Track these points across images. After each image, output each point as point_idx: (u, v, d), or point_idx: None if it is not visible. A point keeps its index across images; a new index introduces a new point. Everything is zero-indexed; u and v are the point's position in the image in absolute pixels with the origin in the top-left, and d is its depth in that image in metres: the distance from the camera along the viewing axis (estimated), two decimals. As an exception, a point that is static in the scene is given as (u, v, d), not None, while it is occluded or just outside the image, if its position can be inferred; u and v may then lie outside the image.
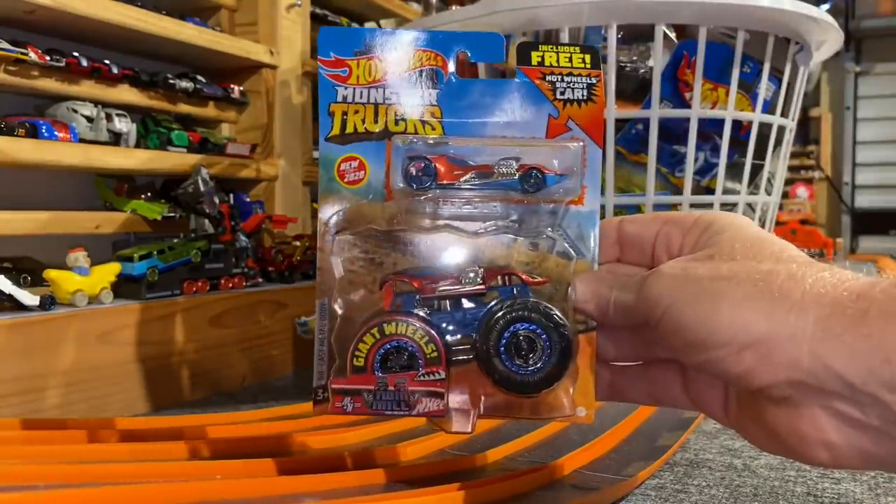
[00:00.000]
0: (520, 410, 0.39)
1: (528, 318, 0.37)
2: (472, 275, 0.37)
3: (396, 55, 0.39)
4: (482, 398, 0.38)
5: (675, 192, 0.79)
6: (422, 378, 0.36)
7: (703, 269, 0.32)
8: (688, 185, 0.75)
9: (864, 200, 3.66)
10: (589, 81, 0.39)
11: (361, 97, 0.39)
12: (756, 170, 0.81)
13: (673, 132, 0.78)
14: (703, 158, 0.82)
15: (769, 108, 0.80)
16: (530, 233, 0.39)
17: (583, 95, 0.39)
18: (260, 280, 0.92)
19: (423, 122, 0.39)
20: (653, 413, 0.68)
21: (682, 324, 0.31)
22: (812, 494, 0.51)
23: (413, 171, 0.38)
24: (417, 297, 0.37)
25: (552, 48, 0.39)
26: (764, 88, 0.77)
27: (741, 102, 0.78)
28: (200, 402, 0.78)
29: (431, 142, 0.39)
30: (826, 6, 2.62)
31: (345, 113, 0.39)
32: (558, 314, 0.37)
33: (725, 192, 0.78)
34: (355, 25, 1.25)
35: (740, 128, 0.80)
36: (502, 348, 0.37)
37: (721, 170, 0.76)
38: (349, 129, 0.39)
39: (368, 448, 0.55)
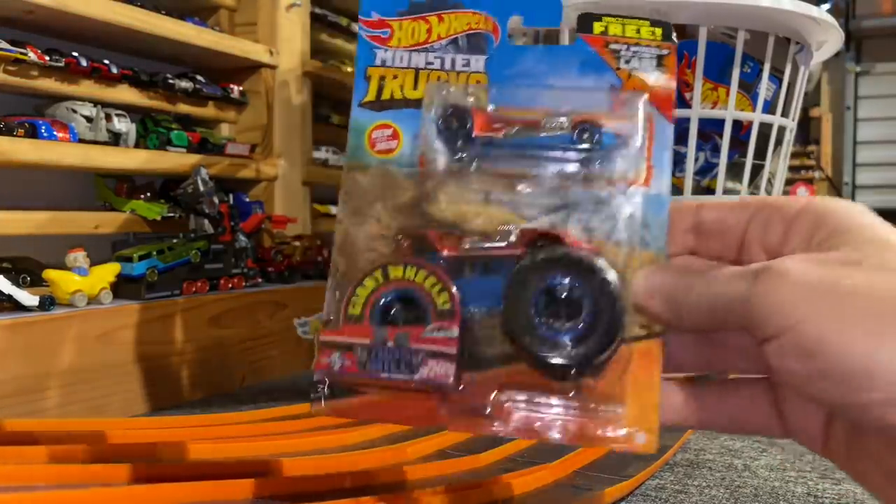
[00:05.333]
0: (555, 430, 0.29)
1: (568, 269, 0.29)
2: (504, 235, 0.30)
3: (443, 16, 0.37)
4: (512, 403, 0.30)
5: (675, 192, 0.79)
6: (429, 334, 0.29)
7: (851, 281, 0.24)
8: (688, 185, 0.75)
9: (864, 200, 3.66)
10: (659, 52, 0.35)
11: (402, 61, 0.37)
12: (756, 170, 0.81)
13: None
14: (704, 158, 0.82)
15: (769, 108, 0.80)
16: (583, 218, 0.31)
17: (651, 66, 0.35)
18: (259, 280, 0.92)
19: None
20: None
21: (820, 350, 0.23)
22: (812, 495, 0.51)
23: (446, 119, 0.34)
24: (440, 258, 0.30)
25: (617, 19, 0.36)
26: (764, 88, 0.77)
27: (741, 102, 0.78)
28: (200, 402, 0.78)
29: (472, 90, 0.35)
30: (826, 6, 2.62)
31: (382, 77, 0.37)
32: (604, 265, 0.29)
33: (726, 192, 0.78)
34: (356, 26, 1.25)
35: (740, 128, 0.80)
36: (533, 308, 0.29)
37: (721, 170, 0.76)
38: (385, 96, 0.36)
39: (369, 448, 0.55)
